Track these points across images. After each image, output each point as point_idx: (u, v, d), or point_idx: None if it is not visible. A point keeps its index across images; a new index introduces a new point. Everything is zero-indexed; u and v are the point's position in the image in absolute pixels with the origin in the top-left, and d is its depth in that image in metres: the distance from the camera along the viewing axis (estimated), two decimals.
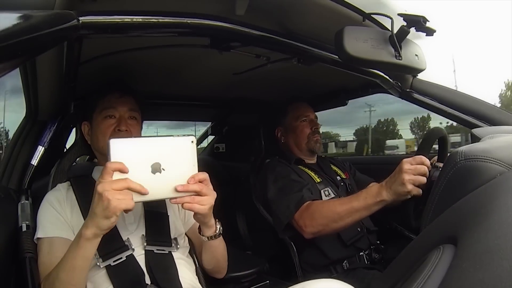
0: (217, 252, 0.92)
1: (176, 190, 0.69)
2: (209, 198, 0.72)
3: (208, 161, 2.30)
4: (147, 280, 0.83)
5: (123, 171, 0.64)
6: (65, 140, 1.29)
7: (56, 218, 0.86)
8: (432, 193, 0.56)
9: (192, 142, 0.70)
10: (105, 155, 0.95)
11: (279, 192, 1.24)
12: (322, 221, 1.08)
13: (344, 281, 0.55)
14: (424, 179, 0.90)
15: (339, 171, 1.45)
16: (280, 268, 1.41)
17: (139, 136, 1.01)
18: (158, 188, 0.67)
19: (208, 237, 0.83)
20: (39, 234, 0.84)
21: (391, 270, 0.50)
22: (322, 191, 1.28)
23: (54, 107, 1.08)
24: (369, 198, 0.99)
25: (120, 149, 0.65)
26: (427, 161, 0.92)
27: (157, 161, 0.67)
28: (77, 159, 1.12)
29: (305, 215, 1.12)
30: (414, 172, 0.90)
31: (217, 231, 0.84)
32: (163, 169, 0.67)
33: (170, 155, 0.68)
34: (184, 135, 0.70)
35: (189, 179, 0.69)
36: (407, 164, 0.91)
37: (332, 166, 1.46)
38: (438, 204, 0.54)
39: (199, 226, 0.84)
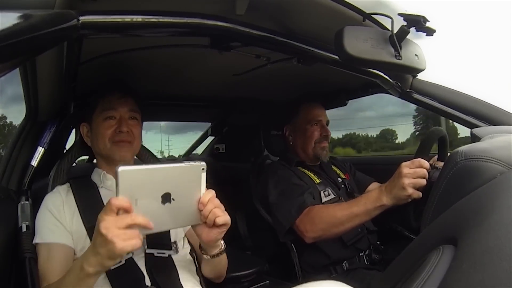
0: (220, 265, 0.90)
1: (186, 220, 0.68)
2: (225, 216, 0.70)
3: (208, 161, 2.29)
4: (147, 282, 0.82)
5: (128, 211, 0.58)
6: (65, 141, 1.29)
7: (54, 224, 0.85)
8: (432, 193, 0.56)
9: (202, 169, 0.67)
10: (105, 157, 0.95)
11: (280, 196, 1.24)
12: (322, 226, 1.09)
13: (344, 282, 0.55)
14: (424, 182, 0.90)
15: (339, 172, 1.45)
16: (280, 268, 1.41)
17: (141, 136, 1.00)
18: (167, 219, 0.64)
19: (212, 256, 0.80)
20: (37, 239, 0.84)
21: (391, 270, 0.50)
22: (321, 192, 1.28)
23: (54, 108, 1.08)
24: (369, 203, 0.99)
25: (130, 178, 0.60)
26: (426, 164, 0.92)
27: (167, 191, 0.63)
28: (77, 160, 1.11)
29: (306, 220, 1.12)
30: (414, 175, 0.91)
31: (221, 248, 0.81)
32: (173, 199, 0.63)
33: (181, 184, 0.65)
34: (195, 162, 0.66)
35: (199, 206, 0.67)
36: (406, 168, 0.92)
37: (333, 167, 1.46)
38: (438, 204, 0.54)
39: (200, 245, 0.80)
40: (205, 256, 0.80)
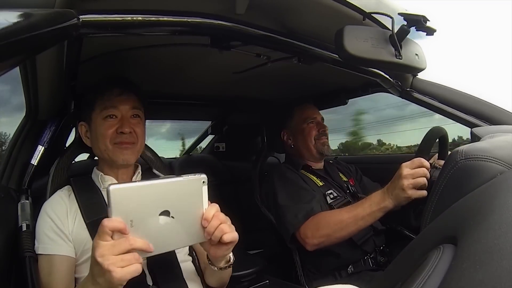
0: (226, 276, 0.86)
1: (189, 238, 0.63)
2: (233, 232, 0.64)
3: (209, 160, 2.30)
4: (149, 281, 0.82)
5: (123, 232, 0.54)
6: (65, 140, 1.29)
7: (55, 233, 0.83)
8: (432, 192, 0.56)
9: (203, 182, 0.61)
10: (107, 160, 0.92)
11: (289, 199, 1.23)
12: (327, 231, 1.08)
13: (349, 283, 0.55)
14: (424, 181, 0.90)
15: (342, 176, 1.44)
16: (280, 268, 1.41)
17: (144, 135, 0.97)
18: (168, 238, 0.59)
19: (220, 268, 0.75)
20: (39, 250, 0.82)
21: (391, 270, 0.50)
22: (326, 193, 1.27)
23: (54, 106, 1.08)
24: (374, 205, 1.00)
25: (122, 197, 0.54)
26: (426, 163, 0.92)
27: (166, 208, 0.58)
28: (76, 157, 1.11)
29: (310, 225, 1.12)
30: (414, 176, 0.91)
31: (230, 261, 0.76)
32: (173, 217, 0.58)
33: (180, 200, 0.59)
34: (194, 175, 0.61)
35: (203, 222, 0.61)
36: (406, 169, 0.92)
37: (340, 174, 1.45)
38: (438, 203, 0.54)
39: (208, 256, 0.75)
40: (212, 267, 0.76)
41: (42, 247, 0.82)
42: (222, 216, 0.63)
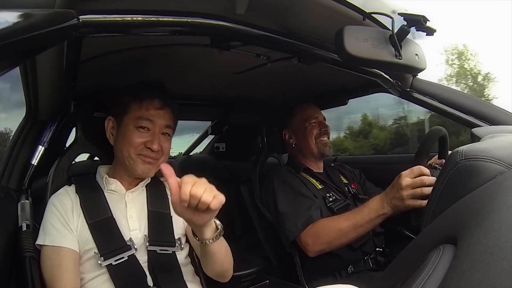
0: (220, 255, 0.80)
1: None
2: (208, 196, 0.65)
3: (209, 160, 2.30)
4: (149, 281, 0.82)
5: None
6: (65, 140, 1.29)
7: (62, 224, 0.84)
8: (432, 193, 0.56)
9: None
10: (125, 167, 0.90)
11: (289, 206, 1.23)
12: (327, 239, 1.09)
13: (349, 283, 0.55)
14: (422, 191, 0.90)
15: (344, 179, 1.44)
16: (280, 268, 1.41)
17: (169, 151, 0.95)
18: None
19: (208, 240, 0.73)
20: (46, 241, 0.81)
21: (391, 270, 0.50)
22: (325, 196, 1.27)
23: (54, 107, 1.08)
24: (372, 212, 1.00)
25: None
26: (426, 171, 0.92)
27: None
28: (77, 157, 1.11)
29: (310, 233, 1.13)
30: (413, 186, 0.91)
31: (218, 229, 0.74)
32: None
33: None
34: None
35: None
36: (405, 179, 0.92)
37: (341, 176, 1.45)
38: (438, 203, 0.54)
39: (193, 231, 0.75)
40: (202, 244, 0.74)
41: (49, 239, 0.82)
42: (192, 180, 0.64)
